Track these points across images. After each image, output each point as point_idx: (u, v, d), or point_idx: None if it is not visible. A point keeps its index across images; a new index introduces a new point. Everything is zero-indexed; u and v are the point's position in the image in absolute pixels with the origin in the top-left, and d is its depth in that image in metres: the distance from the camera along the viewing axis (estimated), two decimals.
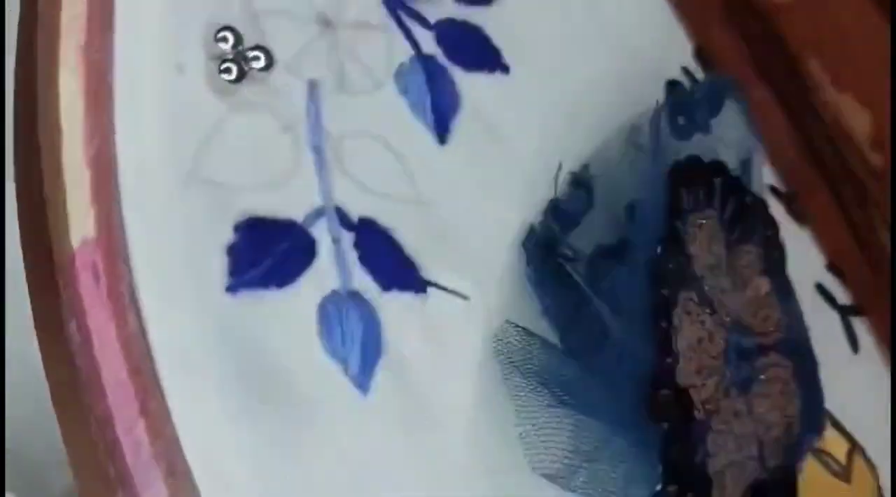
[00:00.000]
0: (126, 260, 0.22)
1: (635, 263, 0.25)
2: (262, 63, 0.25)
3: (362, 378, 0.24)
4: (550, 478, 0.23)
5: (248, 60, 0.25)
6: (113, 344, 0.21)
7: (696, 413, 0.26)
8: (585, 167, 0.30)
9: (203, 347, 0.22)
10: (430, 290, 0.26)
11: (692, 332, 0.26)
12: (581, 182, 0.30)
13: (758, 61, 0.37)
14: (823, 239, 0.38)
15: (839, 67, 0.36)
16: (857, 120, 0.36)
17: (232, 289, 0.23)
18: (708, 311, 0.27)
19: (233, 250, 0.23)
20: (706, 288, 0.28)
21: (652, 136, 0.28)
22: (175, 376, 0.22)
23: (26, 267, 0.22)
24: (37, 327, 0.22)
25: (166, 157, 0.23)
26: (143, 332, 0.22)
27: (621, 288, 0.24)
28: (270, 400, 0.23)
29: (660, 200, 0.26)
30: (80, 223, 0.22)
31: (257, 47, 0.25)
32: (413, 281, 0.26)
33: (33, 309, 0.22)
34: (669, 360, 0.25)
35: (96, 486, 0.20)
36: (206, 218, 0.23)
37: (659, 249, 0.25)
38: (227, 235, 0.23)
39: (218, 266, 0.23)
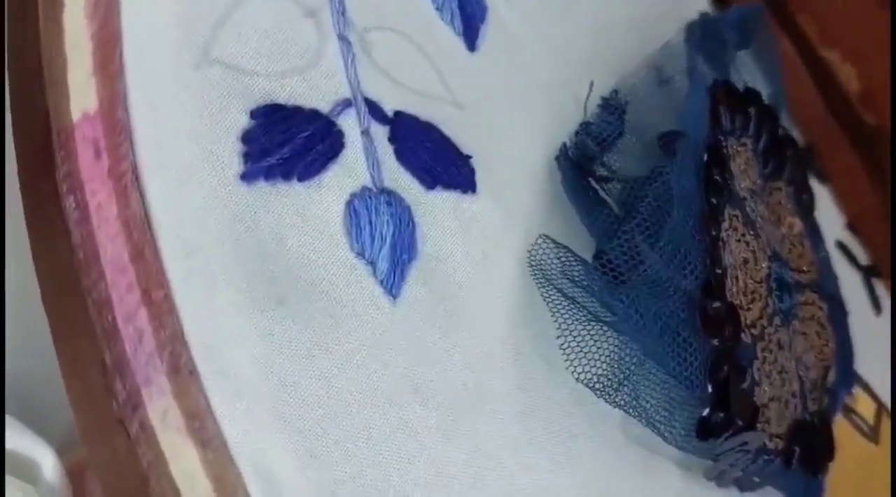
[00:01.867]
0: (130, 138, 0.20)
1: (683, 170, 0.23)
2: None
3: (392, 282, 0.22)
4: (593, 388, 0.21)
5: None
6: (114, 224, 0.19)
7: (742, 335, 0.24)
8: (615, 93, 0.29)
9: (214, 236, 0.20)
10: (479, 190, 0.23)
11: (738, 250, 0.24)
12: (612, 107, 0.28)
13: (778, 12, 0.35)
14: (844, 197, 0.37)
15: (825, 22, 0.35)
16: (846, 77, 0.35)
17: (247, 177, 0.21)
18: (752, 233, 0.26)
19: (248, 136, 0.21)
20: (748, 210, 0.26)
21: (688, 57, 0.27)
22: (181, 265, 0.19)
23: (17, 141, 0.19)
24: (28, 208, 0.19)
25: (177, 34, 0.21)
26: (146, 216, 0.19)
27: (671, 193, 0.22)
28: (289, 299, 0.20)
29: (703, 114, 0.25)
30: (81, 95, 0.20)
31: None
32: (462, 179, 0.23)
33: (24, 186, 0.19)
34: (720, 271, 0.23)
35: (90, 377, 0.18)
36: (219, 100, 0.21)
37: (705, 157, 0.24)
38: (242, 121, 0.21)
39: (231, 152, 0.21)
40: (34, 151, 0.20)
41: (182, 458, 0.19)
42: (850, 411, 0.33)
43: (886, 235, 0.36)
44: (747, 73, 0.30)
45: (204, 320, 0.19)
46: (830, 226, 0.37)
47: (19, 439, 0.20)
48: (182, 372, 0.19)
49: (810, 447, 0.26)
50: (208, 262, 0.20)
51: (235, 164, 0.21)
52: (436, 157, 0.23)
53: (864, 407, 0.34)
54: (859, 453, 0.33)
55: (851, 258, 0.37)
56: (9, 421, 0.20)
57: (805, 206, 0.31)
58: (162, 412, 0.18)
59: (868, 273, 0.37)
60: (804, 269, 0.29)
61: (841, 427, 0.33)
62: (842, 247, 0.37)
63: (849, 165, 0.37)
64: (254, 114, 0.21)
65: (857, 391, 0.34)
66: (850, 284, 0.37)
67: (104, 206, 0.19)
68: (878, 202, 0.36)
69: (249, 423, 0.19)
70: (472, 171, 0.24)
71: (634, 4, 0.33)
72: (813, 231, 0.31)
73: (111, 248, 0.19)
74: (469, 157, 0.23)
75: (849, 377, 0.31)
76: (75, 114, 0.20)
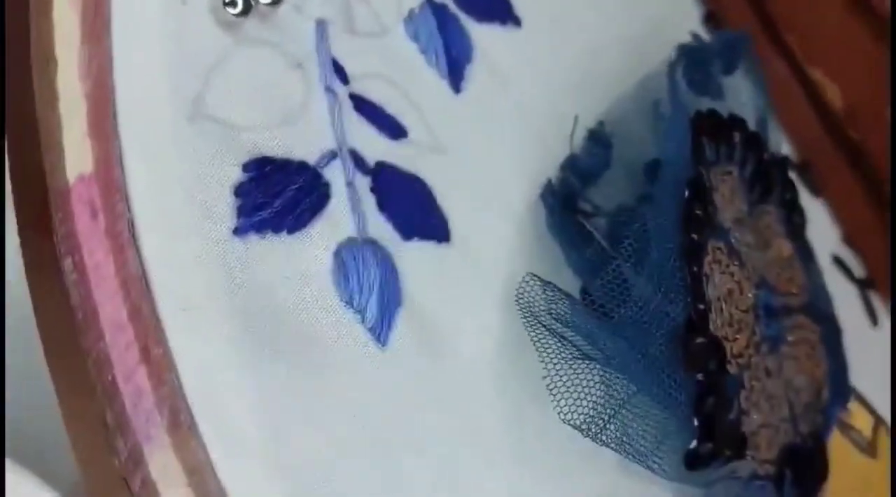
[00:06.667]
0: (125, 196, 0.20)
1: (662, 208, 0.24)
2: None
3: (381, 329, 0.22)
4: (579, 428, 0.22)
5: None
6: (111, 283, 0.20)
7: (728, 366, 0.24)
8: (601, 124, 0.29)
9: (209, 291, 0.21)
10: (453, 239, 0.24)
11: (722, 282, 0.25)
12: (598, 139, 0.29)
13: (768, 28, 0.36)
14: (840, 211, 0.37)
15: (810, 42, 0.36)
16: (830, 95, 0.36)
17: (240, 231, 0.21)
18: (736, 263, 0.26)
19: (241, 190, 0.22)
20: (733, 240, 0.26)
21: (670, 88, 0.27)
22: (178, 321, 0.20)
23: (16, 203, 0.20)
24: (28, 268, 0.20)
25: (168, 91, 0.22)
26: (143, 273, 0.20)
27: (650, 232, 0.23)
28: (283, 350, 0.21)
29: (684, 147, 0.25)
30: (77, 157, 0.20)
31: None
32: (436, 229, 0.24)
33: (24, 248, 0.20)
34: (702, 306, 0.23)
35: (93, 435, 0.19)
36: (211, 155, 0.22)
37: (687, 193, 0.24)
38: (234, 175, 0.22)
39: (224, 206, 0.21)
40: (32, 213, 0.20)
41: None
42: (847, 427, 0.34)
43: (883, 248, 0.37)
44: (732, 98, 0.30)
45: (202, 375, 0.20)
46: (826, 240, 0.38)
47: (26, 487, 0.21)
48: (182, 427, 0.19)
49: (802, 469, 0.27)
50: (204, 317, 0.20)
51: (228, 218, 0.21)
52: (414, 208, 0.24)
53: (862, 422, 0.34)
54: (857, 469, 0.34)
55: (847, 272, 0.37)
56: (15, 469, 0.21)
57: (796, 227, 0.31)
58: (163, 467, 0.19)
59: (863, 286, 0.37)
60: (794, 291, 0.29)
61: (838, 443, 0.34)
62: (837, 261, 0.37)
63: (844, 179, 0.37)
64: (245, 167, 0.22)
65: (854, 406, 0.34)
66: (846, 298, 0.37)
67: (102, 266, 0.20)
68: (874, 215, 0.37)
69: (249, 475, 0.20)
70: (445, 221, 0.24)
71: (626, 26, 0.33)
72: (804, 252, 0.31)
73: (109, 306, 0.20)
74: (438, 208, 0.24)
75: (843, 394, 0.31)
76: (71, 175, 0.20)
